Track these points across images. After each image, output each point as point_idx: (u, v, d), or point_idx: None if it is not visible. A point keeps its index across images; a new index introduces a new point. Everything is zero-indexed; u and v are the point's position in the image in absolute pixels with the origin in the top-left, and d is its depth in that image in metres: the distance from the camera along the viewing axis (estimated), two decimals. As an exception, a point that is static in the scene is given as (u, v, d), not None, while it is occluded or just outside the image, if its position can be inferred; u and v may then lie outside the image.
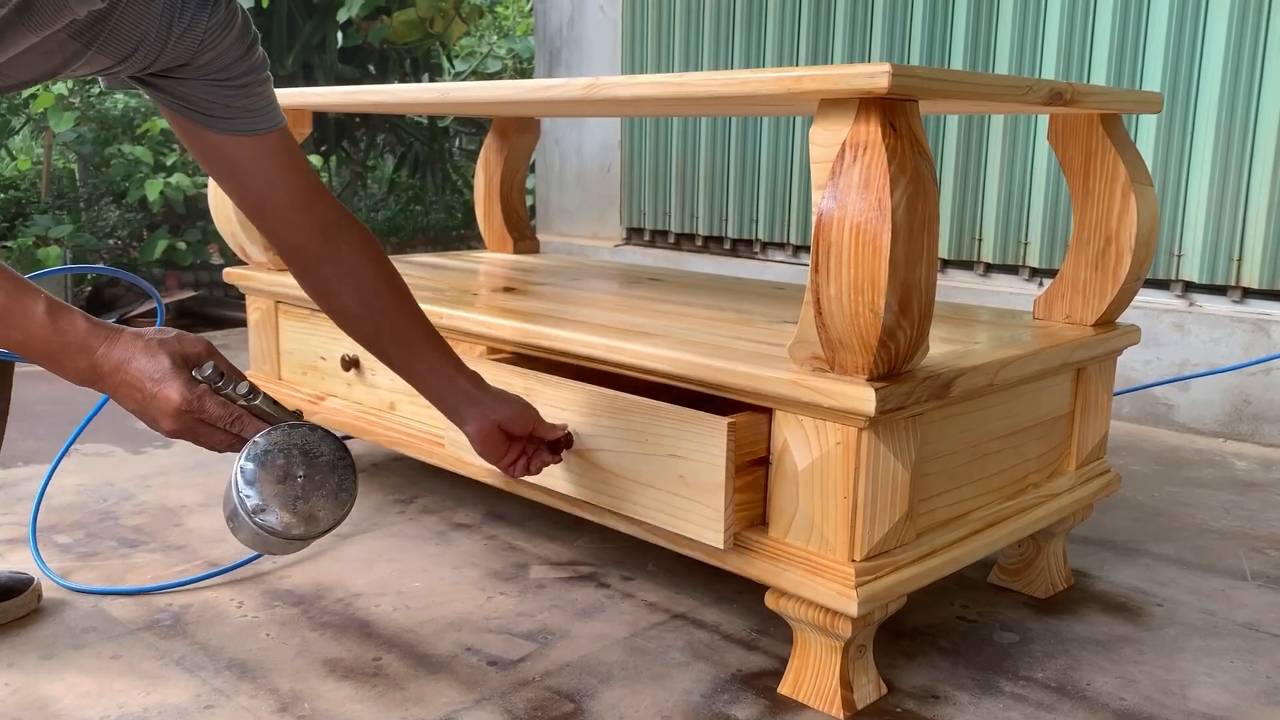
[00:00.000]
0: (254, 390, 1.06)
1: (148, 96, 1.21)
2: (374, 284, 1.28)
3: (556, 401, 1.47)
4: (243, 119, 1.19)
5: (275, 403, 1.08)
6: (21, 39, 1.02)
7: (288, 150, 1.23)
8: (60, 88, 3.78)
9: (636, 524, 1.43)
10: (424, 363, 1.30)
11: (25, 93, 3.75)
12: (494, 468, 1.40)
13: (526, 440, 1.37)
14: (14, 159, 4.42)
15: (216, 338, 3.64)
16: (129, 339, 1.02)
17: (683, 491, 1.32)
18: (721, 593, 1.68)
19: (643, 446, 1.36)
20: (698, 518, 1.31)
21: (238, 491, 1.02)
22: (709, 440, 1.27)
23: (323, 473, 1.06)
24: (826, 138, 1.17)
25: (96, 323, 1.03)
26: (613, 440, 1.40)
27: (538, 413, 1.38)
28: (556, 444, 1.40)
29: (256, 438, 1.04)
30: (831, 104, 1.17)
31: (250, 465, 1.03)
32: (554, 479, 1.51)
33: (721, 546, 1.29)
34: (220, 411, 1.04)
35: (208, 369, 1.03)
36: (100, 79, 1.23)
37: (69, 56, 1.09)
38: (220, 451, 1.07)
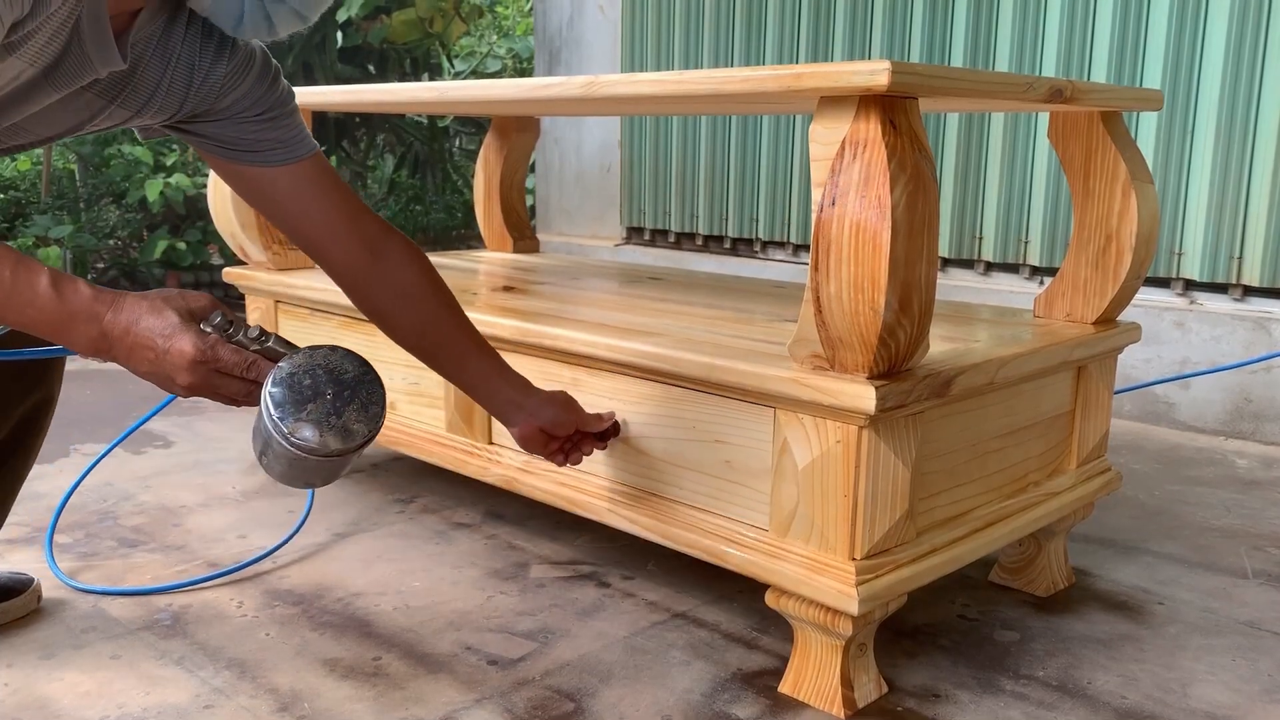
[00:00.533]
0: (264, 333, 1.04)
1: (181, 139, 1.24)
2: (425, 299, 1.31)
3: (602, 391, 1.49)
4: (275, 150, 1.21)
5: (287, 342, 1.06)
6: (46, 96, 1.05)
7: (323, 174, 1.25)
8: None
9: (674, 509, 1.43)
10: (472, 371, 1.36)
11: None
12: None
13: (570, 435, 1.42)
14: (14, 160, 4.42)
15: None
16: (134, 301, 1.01)
17: (729, 476, 1.35)
18: (722, 591, 1.68)
19: (689, 433, 1.39)
20: (743, 501, 1.34)
21: (270, 417, 1.00)
22: (757, 426, 1.30)
23: (350, 388, 1.04)
24: (826, 135, 1.17)
25: (100, 289, 1.01)
26: (658, 427, 1.43)
27: (582, 411, 1.41)
28: (605, 433, 1.45)
29: (280, 364, 1.03)
30: (831, 101, 1.17)
31: (278, 390, 1.01)
32: (594, 464, 1.52)
33: (768, 529, 1.32)
34: (235, 358, 1.02)
35: (216, 318, 1.02)
36: (136, 131, 1.26)
37: (94, 112, 1.12)
38: (239, 403, 1.05)
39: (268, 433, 1.01)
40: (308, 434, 1.01)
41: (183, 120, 1.19)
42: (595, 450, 1.46)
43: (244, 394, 1.04)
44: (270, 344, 1.04)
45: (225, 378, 1.03)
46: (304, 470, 1.04)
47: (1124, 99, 1.49)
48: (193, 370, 1.00)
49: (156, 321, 1.00)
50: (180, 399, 1.08)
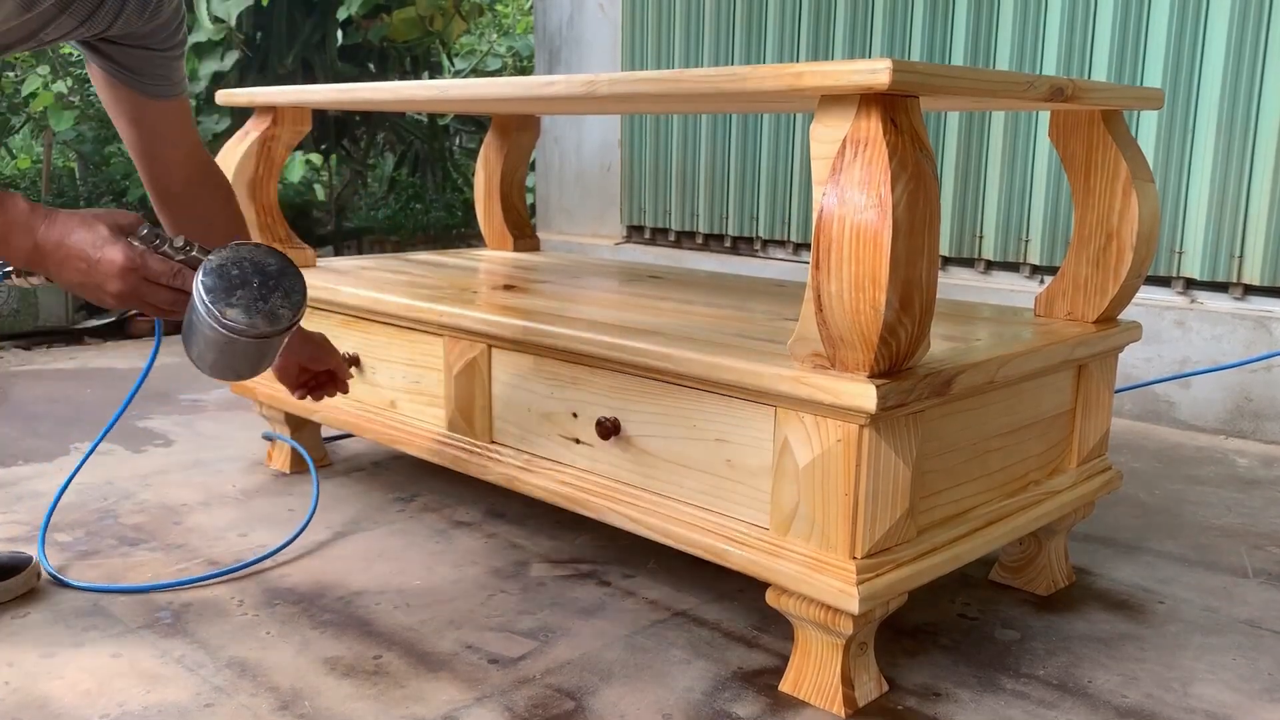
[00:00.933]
0: (189, 243, 1.12)
1: (85, 53, 1.39)
2: (222, 224, 1.54)
3: (603, 389, 1.49)
4: (165, 85, 1.43)
5: (209, 250, 1.13)
6: (19, 15, 1.17)
7: (189, 113, 1.51)
8: (60, 87, 3.77)
9: (672, 507, 1.43)
10: None
11: (25, 91, 3.75)
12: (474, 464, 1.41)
13: (321, 374, 1.60)
14: (14, 158, 4.42)
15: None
16: (66, 216, 1.10)
17: (729, 474, 1.35)
18: (722, 590, 1.68)
19: (689, 432, 1.39)
20: (743, 500, 1.34)
21: (202, 302, 1.06)
22: (757, 425, 1.30)
23: (274, 278, 1.12)
24: (827, 134, 1.17)
25: (36, 205, 1.10)
26: (658, 426, 1.43)
27: (337, 353, 1.61)
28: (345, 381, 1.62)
29: (209, 255, 1.10)
30: (832, 100, 1.17)
31: (209, 279, 1.09)
32: (598, 463, 1.52)
33: (768, 528, 1.32)
34: (162, 267, 1.10)
35: (143, 230, 1.11)
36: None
37: (46, 20, 1.20)
38: (166, 313, 1.13)
39: (200, 320, 1.08)
40: (238, 316, 1.08)
41: (104, 38, 1.33)
42: (339, 395, 1.63)
43: (170, 302, 1.12)
44: (194, 253, 1.13)
45: (153, 286, 1.10)
46: (232, 355, 1.11)
47: (1125, 98, 1.49)
48: (123, 278, 1.08)
49: (87, 234, 1.08)
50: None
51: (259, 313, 1.09)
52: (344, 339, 1.94)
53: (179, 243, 1.11)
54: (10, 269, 1.20)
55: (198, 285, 1.07)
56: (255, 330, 1.08)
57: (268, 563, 1.77)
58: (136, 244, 1.09)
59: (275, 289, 1.12)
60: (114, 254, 1.08)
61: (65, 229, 1.08)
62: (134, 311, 3.80)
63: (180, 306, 1.11)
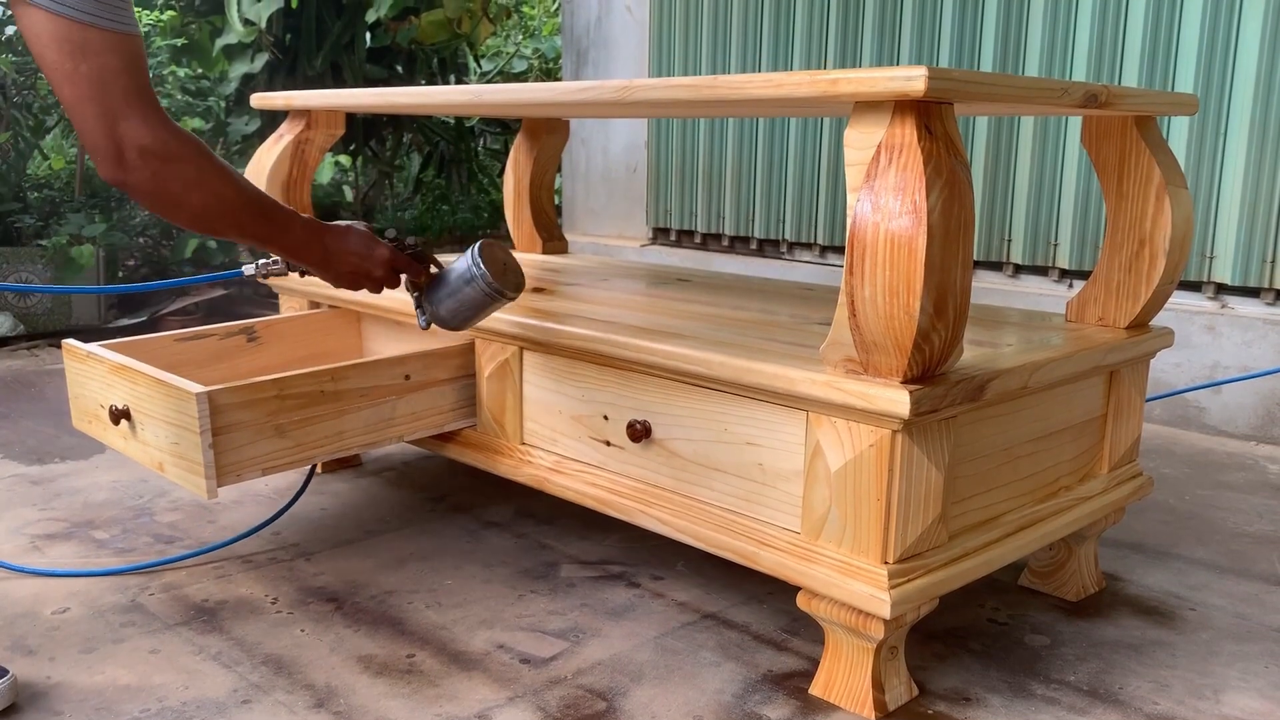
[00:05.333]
0: (409, 243, 1.53)
1: None
2: None
3: (633, 392, 1.51)
4: None
5: (421, 245, 1.55)
6: None
7: (57, 39, 1.18)
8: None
9: (707, 511, 1.43)
10: None
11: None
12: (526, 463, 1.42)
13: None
14: (47, 158, 4.48)
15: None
16: (335, 227, 1.47)
17: (760, 478, 1.36)
18: (752, 593, 1.69)
19: (720, 435, 1.40)
20: (774, 504, 1.35)
21: (484, 279, 1.48)
22: (789, 429, 1.31)
23: (514, 264, 1.53)
24: (861, 140, 1.18)
25: (307, 219, 1.44)
26: (689, 429, 1.44)
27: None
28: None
29: (478, 245, 1.50)
30: (867, 106, 1.18)
31: (481, 258, 1.48)
32: (629, 466, 1.53)
33: (799, 531, 1.32)
34: (403, 261, 1.50)
35: (388, 233, 1.52)
36: None
37: None
38: (392, 288, 1.52)
39: (475, 288, 1.49)
40: (503, 284, 1.49)
41: None
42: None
43: (396, 284, 1.51)
44: (416, 249, 1.53)
45: (393, 274, 1.49)
46: (483, 313, 1.53)
47: (1159, 104, 1.49)
48: (385, 266, 1.47)
49: (360, 238, 1.48)
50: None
51: (510, 284, 1.50)
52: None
53: (409, 241, 1.53)
54: (262, 268, 1.61)
55: (473, 258, 1.48)
56: (505, 292, 1.49)
57: (300, 561, 1.79)
58: (389, 240, 1.51)
59: (517, 272, 1.53)
60: (382, 251, 1.48)
61: (343, 236, 1.46)
62: (165, 311, 3.84)
63: (395, 284, 1.51)
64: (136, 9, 4.21)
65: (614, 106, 1.58)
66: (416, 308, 1.55)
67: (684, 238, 3.94)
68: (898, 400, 1.18)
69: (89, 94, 1.18)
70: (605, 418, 1.55)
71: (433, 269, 1.55)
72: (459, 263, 1.52)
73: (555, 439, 1.64)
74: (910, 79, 1.09)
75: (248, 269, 1.63)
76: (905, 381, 1.21)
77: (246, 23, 4.24)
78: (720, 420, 1.40)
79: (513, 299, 1.52)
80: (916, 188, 1.12)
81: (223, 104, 4.47)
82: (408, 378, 1.69)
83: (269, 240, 1.39)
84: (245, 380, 1.51)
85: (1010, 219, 3.03)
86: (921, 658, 1.49)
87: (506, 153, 5.71)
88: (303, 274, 1.55)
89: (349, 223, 1.51)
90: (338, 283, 1.50)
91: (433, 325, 1.56)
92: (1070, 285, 2.96)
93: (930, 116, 1.15)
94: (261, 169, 2.11)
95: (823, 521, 1.30)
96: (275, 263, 1.60)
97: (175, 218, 1.28)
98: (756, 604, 1.65)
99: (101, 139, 1.19)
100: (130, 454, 1.62)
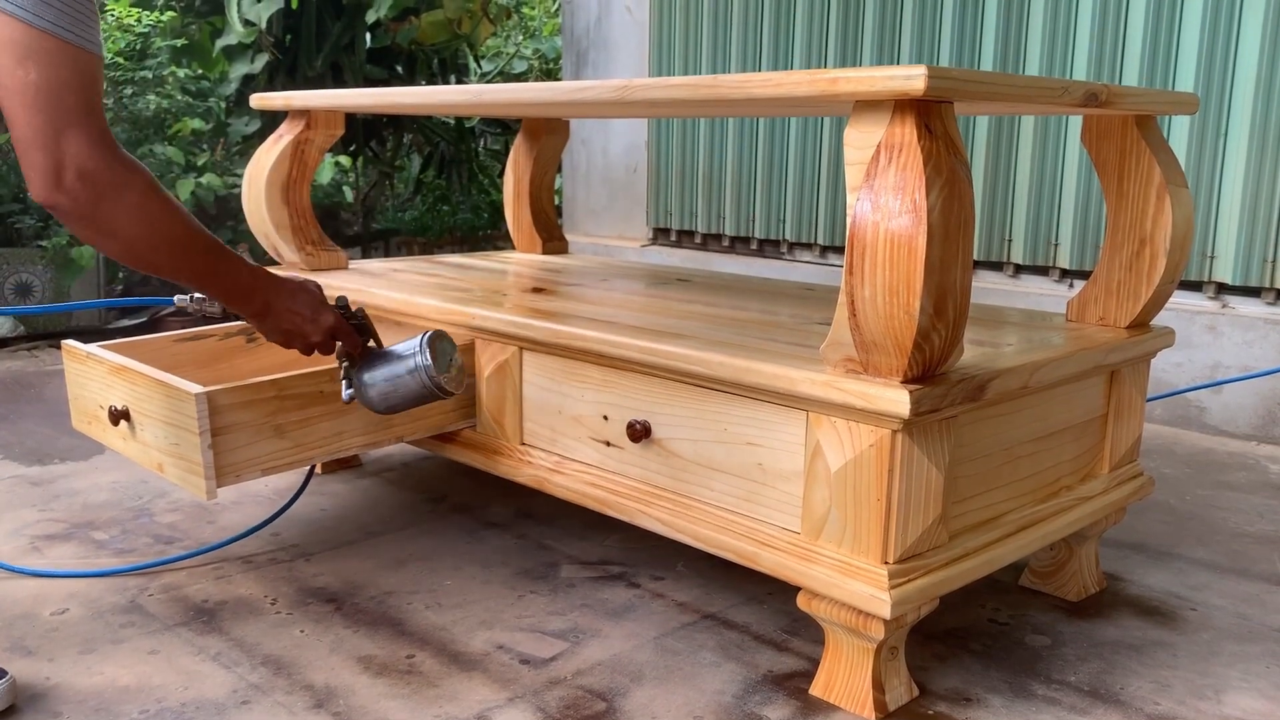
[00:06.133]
0: (354, 311, 1.49)
1: None
2: None
3: (633, 392, 1.51)
4: None
5: (364, 315, 1.51)
6: None
7: (13, 47, 1.11)
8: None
9: (706, 512, 1.43)
10: None
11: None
12: (525, 464, 1.41)
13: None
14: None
15: (247, 336, 3.67)
16: (285, 282, 1.42)
17: (760, 478, 1.36)
18: (751, 593, 1.69)
19: (720, 435, 1.40)
20: (774, 504, 1.35)
21: (426, 372, 1.44)
22: (789, 429, 1.30)
23: (460, 362, 1.52)
24: (861, 139, 1.18)
25: (253, 267, 1.39)
26: (688, 429, 1.44)
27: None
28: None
29: (428, 335, 1.46)
30: (867, 106, 1.17)
31: (427, 349, 1.45)
32: (629, 466, 1.53)
33: (800, 532, 1.32)
34: (347, 331, 1.46)
35: (338, 300, 1.48)
36: None
37: None
38: (325, 354, 1.46)
39: (414, 375, 1.45)
40: (443, 380, 1.46)
41: None
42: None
43: (329, 351, 1.45)
44: (359, 320, 1.49)
45: (331, 341, 1.44)
46: (413, 402, 1.48)
47: (1159, 103, 1.49)
48: (327, 334, 1.43)
49: (309, 299, 1.43)
50: None
51: (452, 381, 1.48)
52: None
53: (355, 310, 1.49)
54: (197, 302, 1.53)
55: (421, 358, 1.44)
56: (445, 389, 1.47)
57: (300, 562, 1.79)
58: (336, 308, 1.46)
59: (461, 370, 1.52)
60: (328, 318, 1.43)
61: (291, 294, 1.41)
62: (165, 313, 3.84)
63: (329, 351, 1.46)
64: (136, 10, 4.20)
65: (614, 106, 1.58)
66: (342, 378, 1.49)
67: (684, 238, 3.94)
68: (898, 400, 1.18)
69: (35, 104, 1.10)
70: (605, 418, 1.55)
71: (371, 343, 1.50)
72: (404, 347, 1.47)
73: (555, 439, 1.64)
74: (910, 78, 1.09)
75: (180, 299, 1.56)
76: (905, 381, 1.20)
77: (247, 23, 4.24)
78: (720, 420, 1.40)
79: (450, 397, 1.49)
80: (916, 187, 1.12)
81: (223, 104, 4.47)
82: (407, 378, 1.68)
83: (209, 282, 1.33)
84: (244, 381, 1.51)
85: (1011, 219, 3.03)
86: (922, 658, 1.48)
87: (507, 153, 5.70)
88: (236, 315, 1.47)
89: (302, 279, 1.46)
90: (270, 337, 1.44)
91: (355, 403, 1.52)
92: (1071, 285, 2.95)
93: (930, 116, 1.15)
94: (261, 169, 2.11)
95: (823, 522, 1.30)
96: (211, 300, 1.52)
97: (107, 248, 1.20)
98: (757, 604, 1.65)
99: (40, 154, 1.11)
100: (130, 455, 1.62)
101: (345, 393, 1.49)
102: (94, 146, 1.13)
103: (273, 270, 2.17)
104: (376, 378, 1.47)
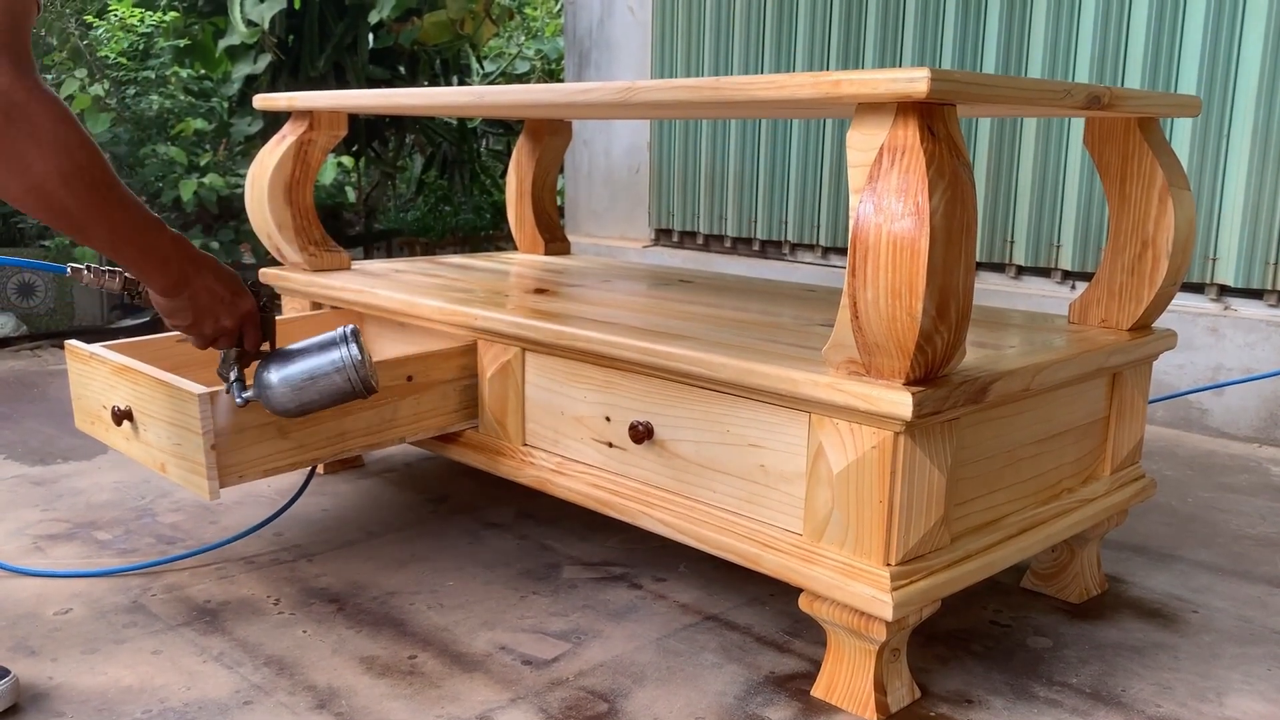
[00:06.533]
0: (270, 301, 1.41)
1: None
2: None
3: (635, 393, 1.51)
4: None
5: (265, 306, 1.41)
6: None
7: None
8: (97, 89, 3.82)
9: (708, 513, 1.43)
10: None
11: (63, 93, 3.80)
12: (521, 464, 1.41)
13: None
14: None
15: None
16: (207, 260, 1.31)
17: (762, 480, 1.36)
18: (753, 595, 1.69)
19: (722, 437, 1.40)
20: (776, 505, 1.35)
21: (354, 367, 1.39)
22: (791, 431, 1.31)
23: (372, 362, 1.46)
24: (864, 142, 1.18)
25: (176, 236, 1.27)
26: (691, 430, 1.44)
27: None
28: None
29: (351, 328, 1.41)
30: (869, 108, 1.18)
31: (356, 346, 1.40)
32: (631, 467, 1.53)
33: (802, 533, 1.32)
34: (254, 323, 1.37)
35: (250, 282, 1.38)
36: None
37: None
38: (219, 345, 1.36)
39: (340, 370, 1.39)
40: (369, 375, 1.42)
41: None
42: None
43: (230, 342, 1.36)
44: (268, 314, 1.40)
45: (242, 329, 1.35)
46: (330, 401, 1.42)
47: (1162, 105, 1.49)
48: (243, 320, 1.34)
49: (230, 279, 1.33)
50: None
51: (374, 376, 1.44)
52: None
53: (266, 299, 1.40)
54: (94, 271, 1.37)
55: (347, 351, 1.39)
56: (369, 385, 1.42)
57: (303, 563, 1.79)
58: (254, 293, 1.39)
59: (371, 365, 1.45)
60: (248, 304, 1.35)
61: (214, 269, 1.31)
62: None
63: (231, 344, 1.37)
64: (139, 10, 4.21)
65: (616, 108, 1.58)
66: (234, 379, 1.39)
67: (686, 239, 3.94)
68: (900, 402, 1.18)
69: None
70: (607, 419, 1.55)
71: (267, 345, 1.43)
72: (321, 340, 1.38)
73: (557, 440, 1.64)
74: (913, 80, 1.09)
75: (76, 266, 1.39)
76: (908, 383, 1.21)
77: (249, 24, 4.24)
78: (722, 422, 1.40)
79: (371, 395, 1.43)
80: (919, 189, 1.12)
81: (226, 105, 4.47)
82: (410, 379, 1.69)
83: (123, 238, 1.19)
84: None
85: (1013, 221, 3.03)
86: (924, 660, 1.49)
87: (509, 154, 5.71)
88: (133, 297, 1.35)
89: (217, 261, 1.35)
90: (174, 317, 1.31)
91: (250, 404, 1.42)
92: (1073, 287, 2.95)
93: (933, 118, 1.15)
94: (264, 170, 2.11)
95: (825, 523, 1.30)
96: (111, 271, 1.36)
97: (11, 187, 1.09)
98: (759, 606, 1.65)
99: None
100: (132, 455, 1.62)
101: (240, 395, 1.39)
102: (9, 70, 1.06)
103: (272, 271, 2.18)
104: (291, 374, 1.37)
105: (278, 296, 1.43)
